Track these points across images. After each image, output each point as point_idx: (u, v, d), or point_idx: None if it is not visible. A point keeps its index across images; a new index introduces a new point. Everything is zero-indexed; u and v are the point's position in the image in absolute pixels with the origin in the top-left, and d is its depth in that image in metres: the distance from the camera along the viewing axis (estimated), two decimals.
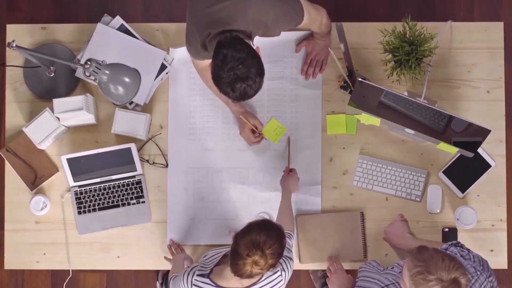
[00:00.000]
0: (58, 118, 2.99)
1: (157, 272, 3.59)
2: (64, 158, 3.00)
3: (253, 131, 3.02)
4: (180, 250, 2.99)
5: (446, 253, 2.37)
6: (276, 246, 2.41)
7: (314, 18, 2.80)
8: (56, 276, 3.73)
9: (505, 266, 3.03)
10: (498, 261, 3.03)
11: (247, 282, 2.53)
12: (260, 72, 2.55)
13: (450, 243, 2.67)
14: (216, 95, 3.04)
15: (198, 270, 2.59)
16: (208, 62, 2.86)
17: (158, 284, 3.53)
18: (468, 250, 2.62)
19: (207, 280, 2.56)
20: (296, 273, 3.70)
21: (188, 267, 2.64)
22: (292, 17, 2.69)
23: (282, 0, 2.65)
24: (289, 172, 2.99)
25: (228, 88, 2.54)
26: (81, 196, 3.04)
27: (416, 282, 2.34)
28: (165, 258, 3.02)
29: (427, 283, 2.32)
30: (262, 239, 2.39)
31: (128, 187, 3.05)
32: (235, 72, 2.50)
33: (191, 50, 2.76)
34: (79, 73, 3.06)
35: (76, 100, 2.93)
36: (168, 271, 3.53)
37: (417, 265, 2.35)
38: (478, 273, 2.53)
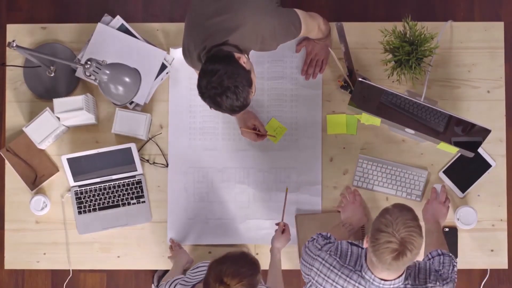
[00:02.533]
0: (58, 118, 2.99)
1: (153, 274, 3.59)
2: (64, 158, 3.00)
3: (255, 130, 3.02)
4: (179, 248, 3.00)
5: (418, 225, 2.34)
6: (244, 282, 2.37)
7: (310, 27, 2.79)
8: (56, 276, 3.73)
9: (505, 266, 3.03)
10: (498, 261, 3.03)
11: None
12: (240, 78, 2.48)
13: (449, 254, 2.66)
14: None
15: (180, 284, 2.59)
16: None
17: (153, 286, 3.53)
18: (455, 273, 2.61)
19: None
20: (296, 273, 3.70)
21: (174, 278, 2.64)
22: (290, 30, 2.68)
23: (280, 14, 2.64)
24: (283, 228, 2.94)
25: (213, 104, 2.51)
26: (81, 196, 3.04)
27: (377, 222, 2.34)
28: (169, 257, 3.02)
29: (384, 227, 2.31)
30: (230, 275, 2.36)
31: (128, 187, 3.05)
32: (212, 85, 2.47)
33: (188, 62, 2.74)
34: (79, 73, 3.06)
35: (76, 100, 2.93)
36: (165, 271, 3.53)
37: (390, 209, 2.35)
38: (435, 283, 2.53)
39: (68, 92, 3.08)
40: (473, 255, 3.03)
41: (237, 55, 2.53)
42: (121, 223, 3.05)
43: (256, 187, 3.06)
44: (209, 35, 2.58)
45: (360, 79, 2.74)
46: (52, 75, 3.04)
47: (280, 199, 3.04)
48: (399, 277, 2.43)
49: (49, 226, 3.06)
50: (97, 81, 2.68)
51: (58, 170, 3.07)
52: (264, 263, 3.04)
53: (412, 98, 2.74)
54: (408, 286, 2.47)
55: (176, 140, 3.08)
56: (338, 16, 3.74)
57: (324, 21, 2.89)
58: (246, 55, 2.62)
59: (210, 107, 2.54)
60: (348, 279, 2.49)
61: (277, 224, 2.94)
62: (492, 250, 3.03)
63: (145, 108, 3.09)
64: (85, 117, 2.98)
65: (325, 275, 2.53)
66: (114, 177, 3.04)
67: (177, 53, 3.08)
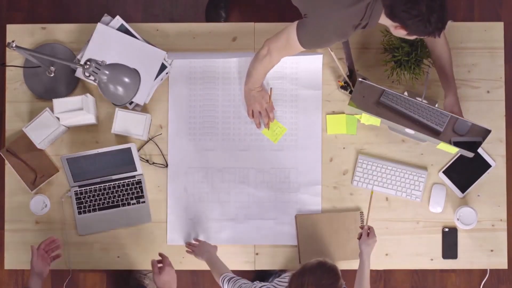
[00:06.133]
0: (58, 118, 2.99)
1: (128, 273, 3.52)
2: (64, 158, 3.00)
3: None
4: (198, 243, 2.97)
5: None
6: None
7: None
8: (56, 276, 3.73)
9: (505, 266, 3.03)
10: (498, 261, 3.03)
11: None
12: None
13: None
14: (258, 72, 2.94)
15: None
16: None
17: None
18: None
19: None
20: None
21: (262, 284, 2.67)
22: None
23: None
24: (368, 231, 2.85)
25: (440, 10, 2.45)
26: (81, 196, 3.04)
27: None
28: (192, 254, 2.98)
29: None
30: (312, 286, 2.39)
31: (128, 187, 3.05)
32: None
33: (328, 39, 2.67)
34: (79, 73, 3.07)
35: (76, 100, 2.93)
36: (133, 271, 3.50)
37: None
38: None
39: (68, 92, 3.08)
40: (473, 255, 3.03)
41: None
42: (121, 223, 3.05)
43: (256, 187, 3.06)
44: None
45: (360, 79, 2.74)
46: (52, 75, 3.04)
47: (280, 199, 3.04)
48: None
49: (49, 226, 3.06)
50: (97, 81, 2.68)
51: (58, 170, 3.07)
52: (264, 264, 3.05)
53: (412, 98, 2.74)
54: None
55: (176, 140, 3.08)
56: None
57: None
58: None
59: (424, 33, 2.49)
60: None
61: (361, 227, 2.85)
62: (492, 250, 3.03)
63: (145, 108, 3.09)
64: (85, 117, 2.98)
65: None
66: (114, 177, 3.04)
67: (175, 61, 3.08)
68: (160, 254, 2.79)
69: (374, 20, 2.59)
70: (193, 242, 3.02)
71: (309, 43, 2.69)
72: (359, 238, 2.83)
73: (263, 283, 2.67)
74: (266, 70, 2.89)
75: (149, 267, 3.04)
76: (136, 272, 3.59)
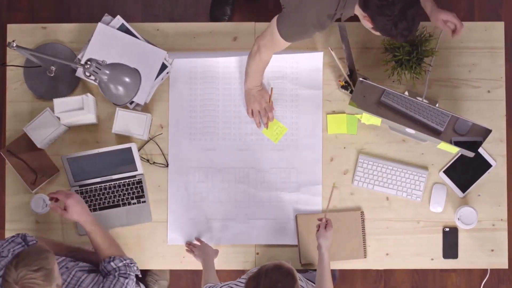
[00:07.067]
0: (58, 118, 2.99)
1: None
2: (64, 158, 3.00)
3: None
4: (200, 244, 2.98)
5: (43, 275, 2.33)
6: None
7: None
8: None
9: (506, 266, 3.04)
10: (499, 261, 3.03)
11: None
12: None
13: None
14: (254, 72, 2.94)
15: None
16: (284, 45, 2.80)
17: None
18: None
19: None
20: None
21: (223, 284, 2.62)
22: None
23: None
24: (326, 224, 2.85)
25: (400, 22, 2.48)
26: (82, 196, 3.04)
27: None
28: (193, 255, 2.99)
29: (6, 276, 2.31)
30: (267, 287, 2.35)
31: (129, 187, 3.05)
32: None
33: (305, 30, 2.67)
34: (80, 73, 3.06)
35: (76, 100, 2.93)
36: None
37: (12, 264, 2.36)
38: None
39: (68, 92, 3.08)
40: (473, 255, 3.03)
41: None
42: (122, 222, 3.04)
43: (256, 187, 3.06)
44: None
45: (360, 79, 2.74)
46: (52, 75, 3.04)
47: (280, 199, 3.04)
48: None
49: (49, 226, 3.06)
50: (97, 81, 2.68)
51: (58, 170, 3.06)
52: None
53: (413, 98, 2.74)
54: None
55: (176, 140, 3.08)
56: None
57: None
58: None
59: (393, 36, 2.52)
60: None
61: (320, 219, 2.87)
62: (492, 250, 3.03)
63: (145, 108, 3.09)
64: (85, 117, 2.98)
65: None
66: (114, 177, 3.04)
67: (177, 61, 3.08)
68: (52, 194, 2.76)
69: (348, 10, 2.60)
70: (194, 242, 3.02)
71: (289, 36, 2.70)
72: (317, 231, 2.83)
73: (226, 283, 2.66)
74: (259, 68, 2.89)
75: (149, 267, 3.04)
76: (148, 275, 3.59)
